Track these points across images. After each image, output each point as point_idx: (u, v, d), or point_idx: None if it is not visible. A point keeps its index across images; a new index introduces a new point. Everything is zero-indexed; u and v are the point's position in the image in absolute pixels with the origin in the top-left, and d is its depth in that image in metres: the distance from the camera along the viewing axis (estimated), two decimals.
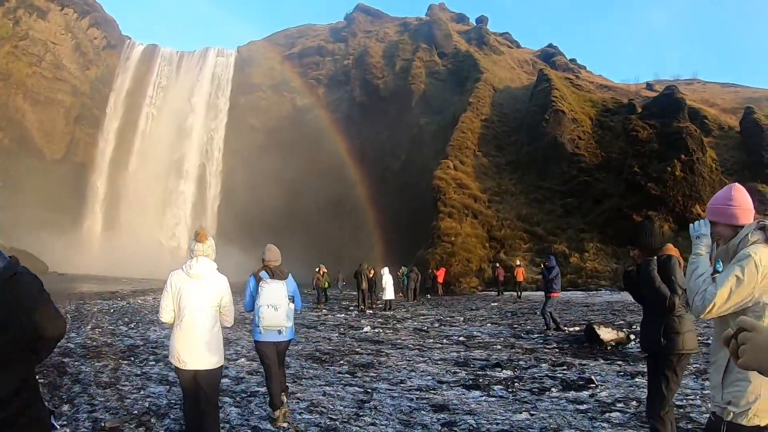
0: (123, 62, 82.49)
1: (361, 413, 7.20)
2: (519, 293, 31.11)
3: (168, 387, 8.66)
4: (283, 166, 70.50)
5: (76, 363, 10.61)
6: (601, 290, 32.39)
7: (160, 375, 9.60)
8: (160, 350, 12.24)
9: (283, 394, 6.76)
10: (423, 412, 7.23)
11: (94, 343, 13.21)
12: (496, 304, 26.42)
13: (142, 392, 8.31)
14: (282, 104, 79.65)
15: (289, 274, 6.75)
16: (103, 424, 6.71)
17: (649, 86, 67.88)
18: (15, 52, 71.09)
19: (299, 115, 76.94)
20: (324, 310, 24.02)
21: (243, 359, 11.31)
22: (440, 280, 36.05)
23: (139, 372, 9.87)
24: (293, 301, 6.69)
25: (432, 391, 8.45)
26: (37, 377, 8.14)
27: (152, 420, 6.87)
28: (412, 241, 47.43)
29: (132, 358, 11.25)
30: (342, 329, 16.95)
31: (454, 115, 57.24)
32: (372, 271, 26.20)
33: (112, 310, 22.47)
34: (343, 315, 21.82)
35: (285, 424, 6.59)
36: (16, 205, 63.30)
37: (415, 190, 53.99)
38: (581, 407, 7.35)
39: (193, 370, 5.01)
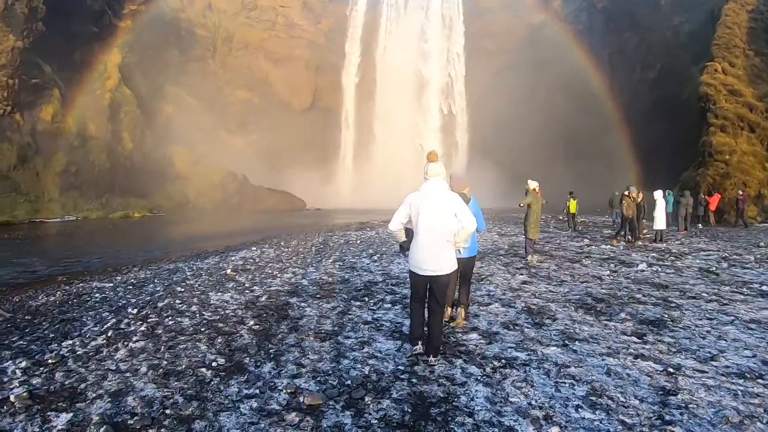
0: (351, 9, 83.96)
1: (667, 416, 4.46)
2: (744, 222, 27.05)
3: (399, 343, 6.55)
4: (526, 88, 67.13)
5: (303, 304, 9.07)
6: None
7: (393, 324, 7.56)
8: (399, 288, 10.34)
9: (461, 307, 7.39)
10: (760, 425, 4.31)
11: (330, 279, 11.75)
12: None
13: (365, 349, 6.33)
14: (516, 25, 75.24)
15: (472, 197, 7.15)
16: (301, 399, 4.84)
17: None
18: (248, 22, 77.44)
19: (536, 33, 71.90)
20: (611, 242, 19.71)
21: (496, 304, 8.81)
22: (713, 207, 30.33)
23: (369, 318, 7.95)
24: None
25: (760, 382, 5.26)
26: (252, 322, 6.32)
27: (367, 398, 4.83)
28: (673, 160, 40.99)
29: (366, 299, 9.42)
30: (612, 265, 13.59)
31: (712, 10, 47.50)
32: (640, 195, 21.45)
33: (359, 242, 21.36)
34: (608, 246, 18.13)
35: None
36: (274, 154, 71.87)
37: (675, 101, 46.32)
38: None
39: (427, 276, 5.66)
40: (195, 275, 13.10)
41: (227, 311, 8.62)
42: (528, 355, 6.03)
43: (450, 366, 5.66)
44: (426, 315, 5.94)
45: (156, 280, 12.67)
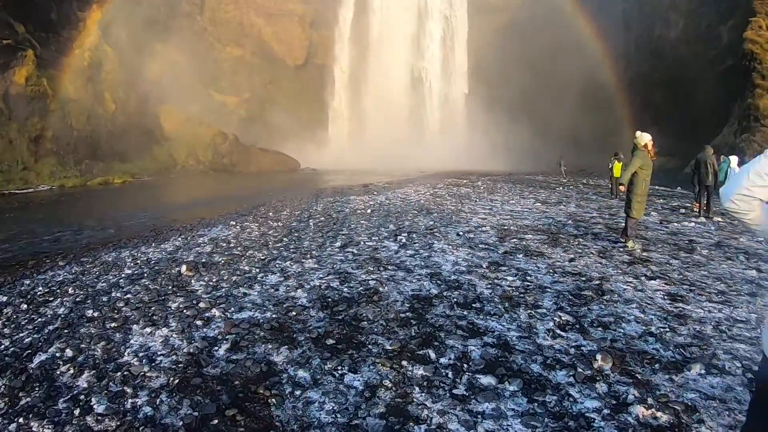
0: None
1: None
2: None
3: None
4: (528, 46, 63.65)
5: (300, 375, 4.69)
6: None
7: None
8: (479, 317, 5.81)
9: None
10: None
11: (346, 291, 7.13)
12: None
13: None
14: None
15: None
16: None
17: None
18: None
19: None
20: None
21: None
22: None
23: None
24: None
25: None
26: None
27: None
28: (694, 123, 38.91)
29: (429, 352, 4.96)
30: (742, 257, 8.95)
31: None
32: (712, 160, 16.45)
33: (369, 211, 16.54)
34: (692, 223, 13.14)
35: None
36: (267, 111, 69.25)
37: (700, 60, 42.36)
38: None
39: None
40: (131, 278, 8.50)
41: (139, 399, 4.10)
42: None
43: None
44: None
45: (71, 290, 8.05)
